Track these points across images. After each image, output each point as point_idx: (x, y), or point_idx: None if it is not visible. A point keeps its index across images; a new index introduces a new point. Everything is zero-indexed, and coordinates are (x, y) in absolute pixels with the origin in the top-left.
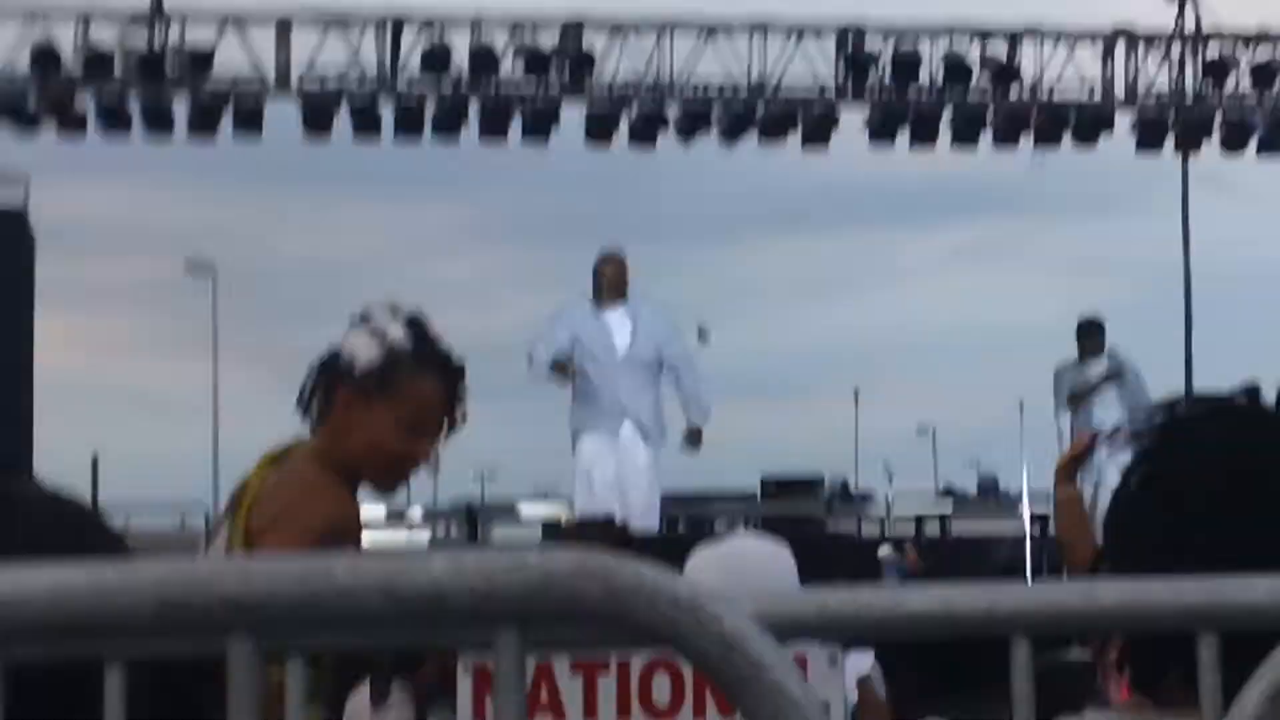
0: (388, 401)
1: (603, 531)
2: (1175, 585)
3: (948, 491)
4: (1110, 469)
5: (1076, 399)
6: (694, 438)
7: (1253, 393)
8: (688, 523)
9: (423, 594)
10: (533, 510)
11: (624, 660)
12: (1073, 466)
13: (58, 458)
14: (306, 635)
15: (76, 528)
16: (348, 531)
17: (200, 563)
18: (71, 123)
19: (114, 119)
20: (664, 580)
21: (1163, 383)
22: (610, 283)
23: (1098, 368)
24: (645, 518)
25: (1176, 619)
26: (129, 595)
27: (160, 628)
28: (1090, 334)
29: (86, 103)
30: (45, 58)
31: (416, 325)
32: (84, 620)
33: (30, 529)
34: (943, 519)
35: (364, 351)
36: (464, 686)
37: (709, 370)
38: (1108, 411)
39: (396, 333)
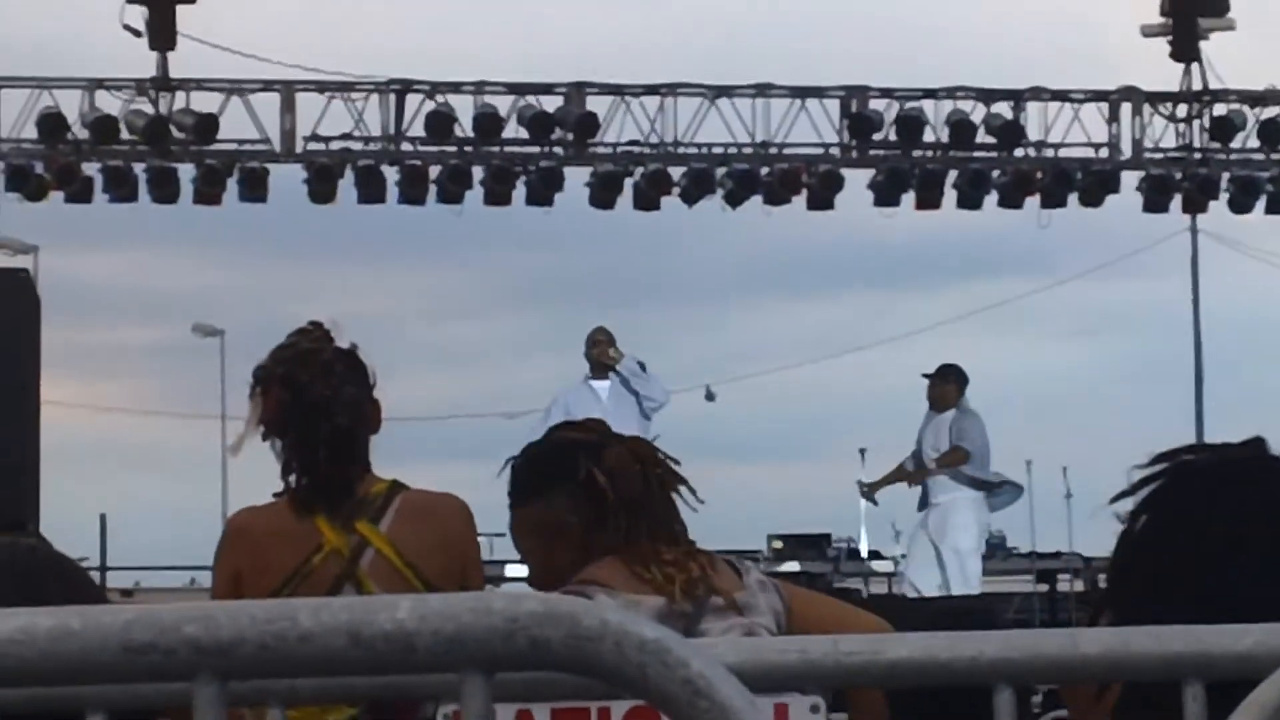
0: None
1: None
2: (1159, 634)
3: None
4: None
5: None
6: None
7: (1257, 445)
8: None
9: (388, 638)
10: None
11: (604, 708)
12: None
13: (65, 519)
14: (272, 679)
15: (50, 577)
16: None
17: (164, 607)
18: (78, 190)
19: (120, 185)
20: (630, 624)
21: (1175, 440)
22: (595, 358)
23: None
24: None
25: (1161, 668)
26: (93, 638)
27: (125, 672)
28: (943, 381)
29: (93, 170)
30: (52, 125)
31: None
32: (50, 664)
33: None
34: None
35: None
36: None
37: (716, 432)
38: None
39: None
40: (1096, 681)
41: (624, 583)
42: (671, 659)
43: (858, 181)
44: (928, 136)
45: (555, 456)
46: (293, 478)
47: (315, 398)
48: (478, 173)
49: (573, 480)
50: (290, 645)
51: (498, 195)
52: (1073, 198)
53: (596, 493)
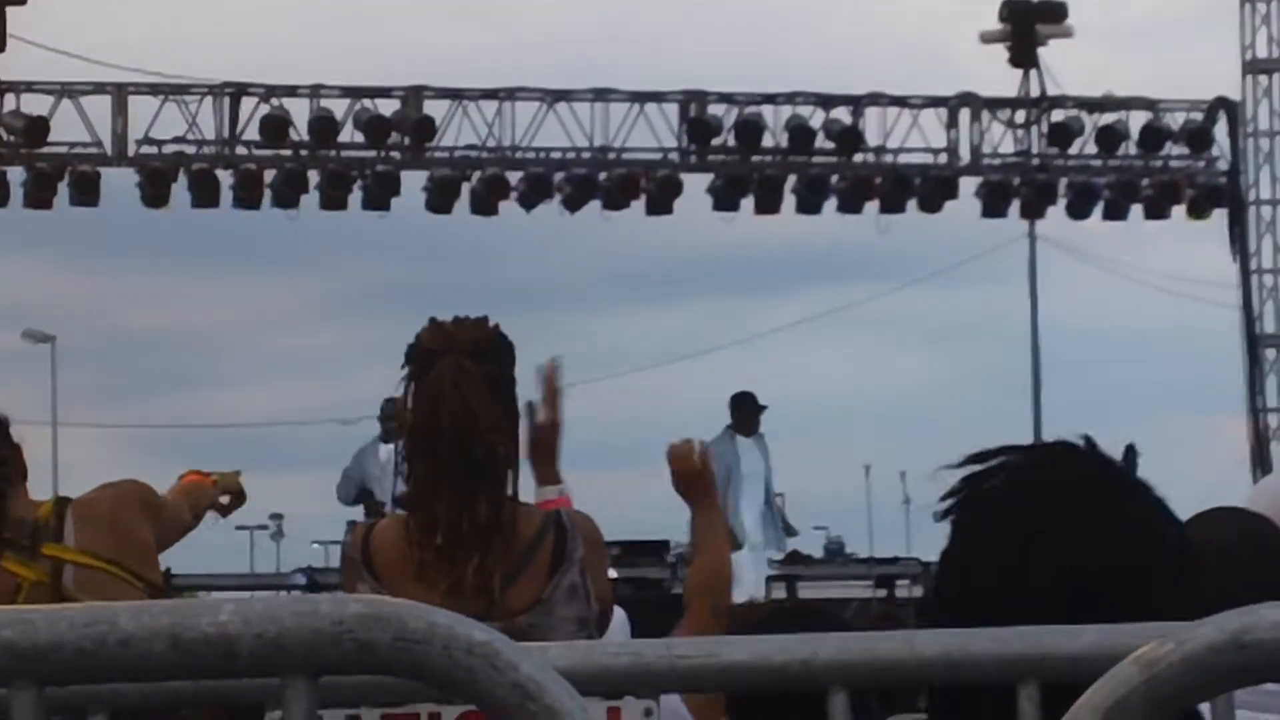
0: None
1: None
2: (998, 635)
3: (794, 555)
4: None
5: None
6: None
7: (1062, 448)
8: None
9: (210, 641)
10: None
11: (435, 712)
12: None
13: None
14: (92, 684)
15: None
16: None
17: None
18: None
19: None
20: (459, 627)
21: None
22: None
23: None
24: None
25: (999, 669)
26: None
27: None
28: (745, 409)
29: None
30: None
31: None
32: None
33: None
34: (789, 581)
35: None
36: None
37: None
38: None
39: None
40: (931, 684)
41: (392, 546)
42: (501, 662)
43: (697, 186)
44: (767, 141)
45: None
46: None
47: None
48: (313, 177)
49: None
50: (110, 649)
51: (334, 200)
52: (911, 203)
53: None
